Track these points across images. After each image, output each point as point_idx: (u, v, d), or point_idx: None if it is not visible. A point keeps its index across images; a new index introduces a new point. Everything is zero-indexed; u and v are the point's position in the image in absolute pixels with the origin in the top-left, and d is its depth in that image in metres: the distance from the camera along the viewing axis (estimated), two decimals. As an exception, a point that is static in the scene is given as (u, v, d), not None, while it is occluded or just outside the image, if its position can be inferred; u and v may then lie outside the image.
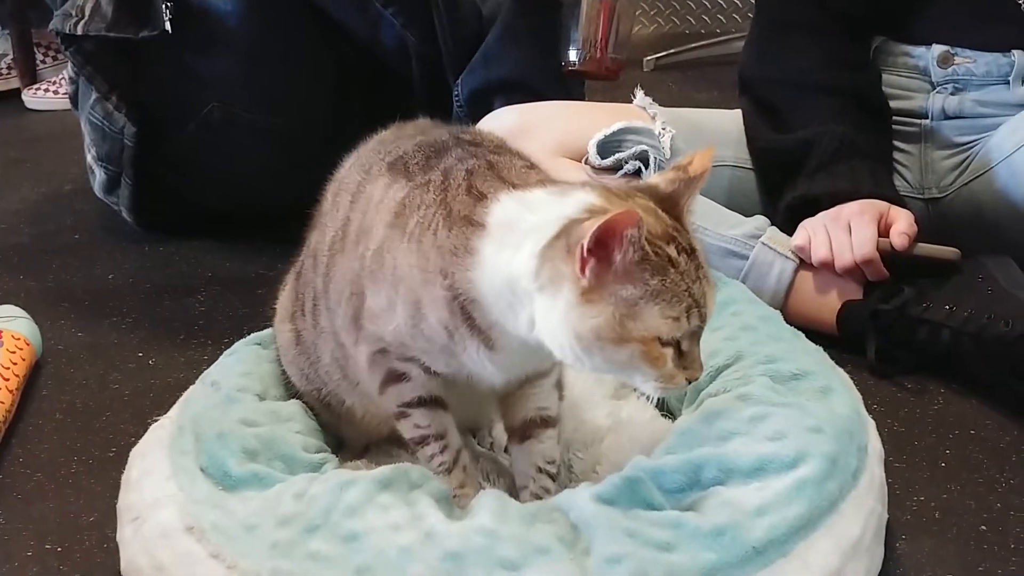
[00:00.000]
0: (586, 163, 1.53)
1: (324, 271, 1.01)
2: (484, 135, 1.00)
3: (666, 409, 1.16)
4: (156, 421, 1.10)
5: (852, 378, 1.11)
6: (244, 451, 0.99)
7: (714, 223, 1.44)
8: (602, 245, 0.80)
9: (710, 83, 2.80)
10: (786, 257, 1.42)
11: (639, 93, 1.64)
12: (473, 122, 1.61)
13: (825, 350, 1.15)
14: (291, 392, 1.12)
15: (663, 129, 1.55)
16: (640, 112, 1.60)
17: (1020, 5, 1.49)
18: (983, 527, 1.06)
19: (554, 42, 1.88)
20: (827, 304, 1.41)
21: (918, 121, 1.59)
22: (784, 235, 1.45)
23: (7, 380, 1.31)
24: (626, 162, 1.51)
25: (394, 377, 0.96)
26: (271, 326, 1.17)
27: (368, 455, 1.11)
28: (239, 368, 1.13)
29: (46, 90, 2.93)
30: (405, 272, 0.90)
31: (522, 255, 0.84)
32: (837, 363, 1.13)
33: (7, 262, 1.85)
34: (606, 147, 1.53)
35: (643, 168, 1.50)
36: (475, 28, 1.73)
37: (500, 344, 0.90)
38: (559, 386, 1.03)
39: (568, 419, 1.11)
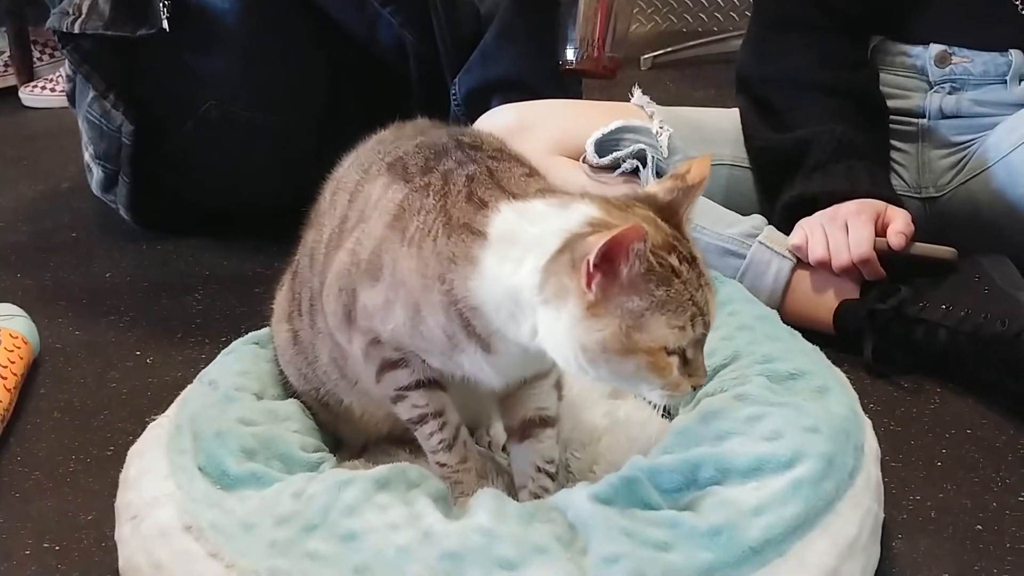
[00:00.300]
0: (584, 162, 1.53)
1: (321, 270, 1.01)
2: (484, 137, 1.00)
3: (665, 410, 1.16)
4: (154, 420, 1.10)
5: (849, 377, 1.11)
6: (242, 450, 0.99)
7: (711, 222, 1.44)
8: (608, 260, 0.80)
9: (707, 81, 2.80)
10: (783, 256, 1.43)
11: (637, 92, 1.65)
12: (470, 121, 1.62)
13: (822, 349, 1.15)
14: (289, 391, 1.12)
15: (661, 128, 1.56)
16: (638, 111, 1.60)
17: (1017, 6, 1.49)
18: (979, 526, 1.06)
19: (551, 41, 1.89)
20: (824, 303, 1.41)
21: (915, 120, 1.59)
22: (781, 234, 1.45)
23: (5, 379, 1.31)
24: (624, 161, 1.51)
25: (390, 364, 0.96)
26: (269, 325, 1.17)
27: (366, 454, 1.11)
28: (237, 367, 1.13)
29: (43, 88, 2.92)
30: (405, 276, 0.90)
31: (524, 268, 0.85)
32: (834, 362, 1.13)
33: (4, 260, 1.85)
34: (604, 146, 1.53)
35: (641, 167, 1.50)
36: (473, 27, 1.73)
37: (499, 349, 0.90)
38: (558, 386, 1.03)
39: (565, 419, 1.11)
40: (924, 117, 1.59)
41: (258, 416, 1.04)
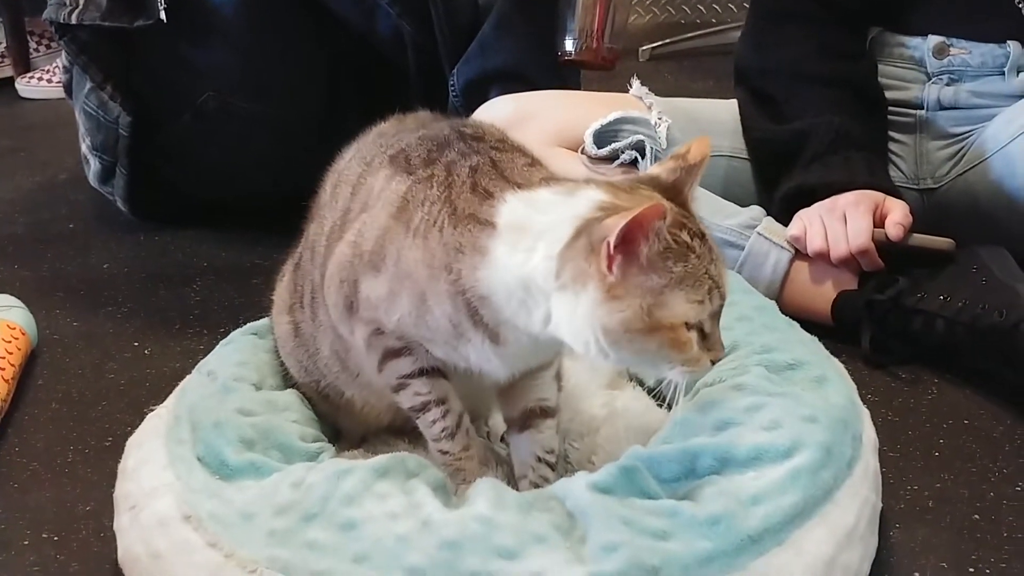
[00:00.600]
0: (582, 153, 1.53)
1: (322, 263, 1.01)
2: (486, 128, 1.00)
3: (662, 399, 1.16)
4: (152, 410, 1.10)
5: (847, 368, 1.12)
6: (241, 440, 0.99)
7: (710, 213, 1.44)
8: (628, 240, 0.81)
9: (706, 73, 2.80)
10: (782, 247, 1.43)
11: (635, 83, 1.64)
12: (469, 112, 1.61)
13: (820, 340, 1.15)
14: (287, 382, 1.12)
15: (659, 119, 1.55)
16: (636, 102, 1.60)
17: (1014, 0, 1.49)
18: (976, 516, 1.07)
19: (550, 32, 1.88)
20: (822, 294, 1.41)
21: (914, 112, 1.59)
22: (780, 225, 1.45)
23: (3, 370, 1.31)
24: (622, 152, 1.51)
25: (393, 353, 0.96)
26: (267, 316, 1.17)
27: (365, 445, 1.11)
28: (235, 358, 1.13)
29: (40, 79, 2.92)
30: (410, 266, 0.90)
31: (537, 257, 0.85)
32: (832, 353, 1.13)
33: (2, 252, 1.85)
34: (602, 137, 1.53)
35: (639, 158, 1.50)
36: (471, 18, 1.72)
37: (507, 339, 0.90)
38: (558, 377, 1.03)
39: (564, 409, 1.11)
40: (922, 108, 1.59)
41: (257, 406, 1.04)
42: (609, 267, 0.82)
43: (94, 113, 1.82)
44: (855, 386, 1.08)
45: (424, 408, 0.97)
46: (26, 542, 1.07)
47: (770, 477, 0.89)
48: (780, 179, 1.51)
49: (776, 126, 1.55)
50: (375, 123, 1.06)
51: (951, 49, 1.55)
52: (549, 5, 1.87)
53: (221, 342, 1.19)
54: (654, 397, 1.16)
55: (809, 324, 1.21)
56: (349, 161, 1.03)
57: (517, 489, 0.98)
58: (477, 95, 1.67)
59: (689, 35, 3.09)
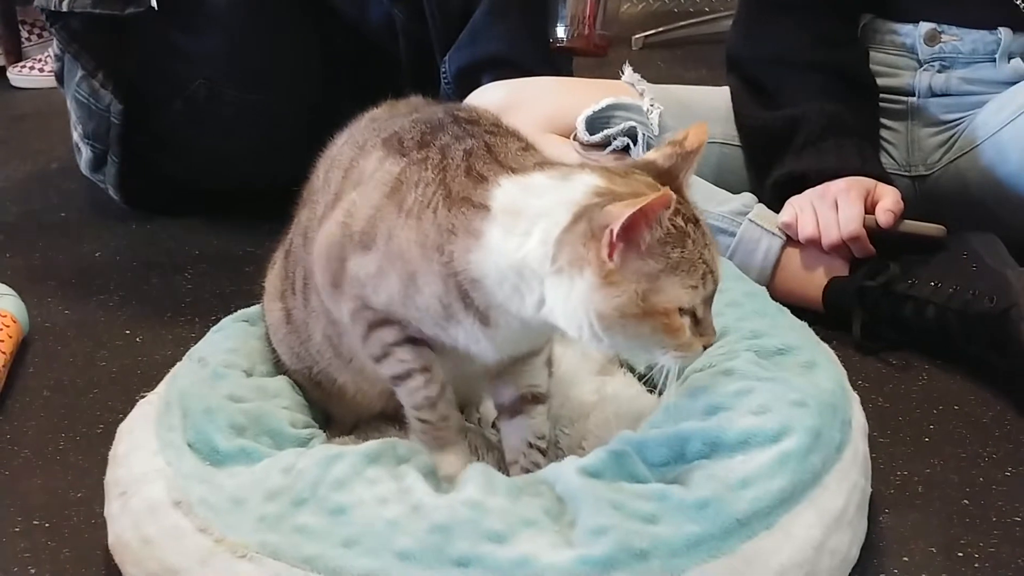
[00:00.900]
0: (574, 139, 1.53)
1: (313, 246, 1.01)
2: (480, 112, 1.00)
3: (652, 385, 1.17)
4: (143, 397, 1.10)
5: (838, 354, 1.12)
6: (231, 426, 0.99)
7: (701, 200, 1.41)
8: (632, 228, 0.81)
9: (699, 61, 2.80)
10: (773, 234, 1.43)
11: (627, 69, 1.64)
12: (460, 99, 1.61)
13: (811, 326, 1.15)
14: (278, 369, 1.12)
15: (651, 106, 1.55)
16: (628, 89, 1.60)
17: None
18: (965, 501, 1.07)
19: (542, 18, 1.88)
20: (813, 281, 1.42)
21: (905, 99, 1.59)
22: (771, 212, 1.45)
23: (-6, 357, 1.31)
24: (614, 138, 1.51)
25: (379, 322, 0.94)
26: (258, 303, 1.17)
27: (356, 431, 1.11)
28: (226, 344, 1.13)
29: (31, 68, 2.91)
30: (402, 247, 0.90)
31: (532, 241, 0.85)
32: (823, 339, 1.14)
33: (-7, 240, 1.85)
34: (594, 123, 1.53)
35: (631, 144, 1.50)
36: (462, 5, 1.72)
37: (497, 323, 0.90)
38: (549, 363, 1.03)
39: (555, 395, 1.11)
40: (913, 95, 1.58)
41: (247, 392, 1.04)
42: (610, 255, 0.82)
43: (85, 101, 1.82)
44: (845, 371, 1.08)
45: (408, 375, 0.96)
46: (17, 529, 1.07)
47: (759, 461, 0.90)
48: (772, 166, 1.51)
49: (768, 113, 1.55)
50: (367, 110, 1.06)
51: (942, 36, 1.55)
52: (541, -8, 1.87)
53: (212, 329, 1.19)
54: (644, 383, 1.16)
55: (800, 310, 1.21)
56: (341, 146, 1.03)
57: (508, 475, 0.98)
58: (469, 82, 1.67)
59: (682, 23, 3.09)
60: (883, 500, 1.06)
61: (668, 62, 2.88)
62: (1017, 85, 1.50)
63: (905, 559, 0.99)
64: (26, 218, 1.95)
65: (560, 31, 2.02)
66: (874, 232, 1.38)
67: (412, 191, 0.90)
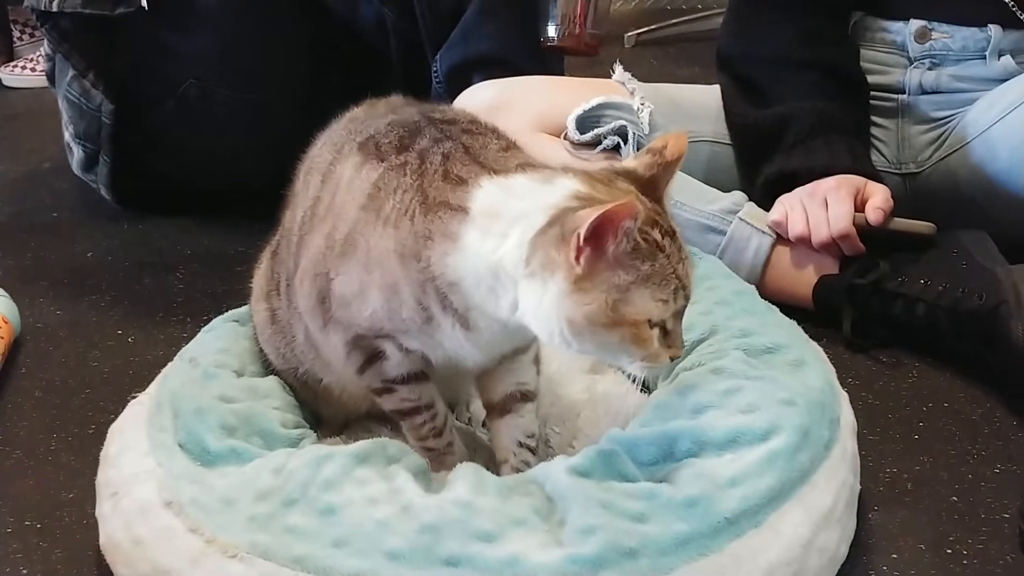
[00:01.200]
0: (565, 138, 1.53)
1: (295, 252, 1.01)
2: (456, 111, 1.00)
3: (643, 384, 1.17)
4: (135, 398, 1.10)
5: (828, 352, 1.12)
6: (222, 427, 0.99)
7: (692, 198, 1.45)
8: (598, 235, 0.81)
9: (691, 59, 2.80)
10: (763, 232, 1.43)
11: (618, 68, 1.64)
12: (452, 98, 1.61)
13: (802, 324, 1.16)
14: (269, 369, 1.12)
15: (642, 104, 1.55)
16: (619, 87, 1.60)
17: None
18: (954, 498, 1.07)
19: (533, 17, 1.88)
20: (804, 279, 1.42)
21: (895, 96, 1.59)
22: (761, 210, 1.45)
23: (-15, 358, 1.31)
24: (605, 137, 1.51)
25: (373, 358, 0.96)
26: (249, 303, 1.17)
27: (347, 431, 1.11)
28: (217, 345, 1.13)
29: (23, 68, 2.90)
30: (381, 256, 0.90)
31: (510, 242, 0.85)
32: (813, 337, 1.14)
33: (-15, 240, 1.85)
34: (585, 122, 1.53)
35: (622, 143, 1.50)
36: (453, 4, 1.72)
37: (477, 325, 0.90)
38: (537, 361, 1.03)
39: (545, 394, 1.11)
40: (904, 93, 1.59)
41: (238, 393, 1.05)
42: (577, 258, 0.82)
43: (76, 101, 1.81)
44: (834, 369, 1.08)
45: (413, 412, 0.98)
46: (9, 530, 1.07)
47: (747, 460, 0.90)
48: (762, 164, 1.52)
49: (758, 111, 1.55)
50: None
51: (932, 33, 1.56)
52: (532, -9, 1.87)
53: (203, 329, 1.19)
54: (634, 382, 1.16)
55: (790, 309, 1.21)
56: (321, 148, 1.03)
57: (499, 474, 0.98)
58: (460, 81, 1.67)
59: (674, 21, 3.08)
60: (872, 497, 1.06)
61: (660, 60, 2.88)
62: (1007, 82, 1.51)
63: (894, 556, 0.99)
64: (18, 218, 1.95)
65: (551, 30, 2.02)
66: (864, 230, 1.38)
67: (390, 198, 0.90)
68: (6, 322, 1.41)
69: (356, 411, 1.09)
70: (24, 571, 1.01)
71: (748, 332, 1.07)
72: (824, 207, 1.39)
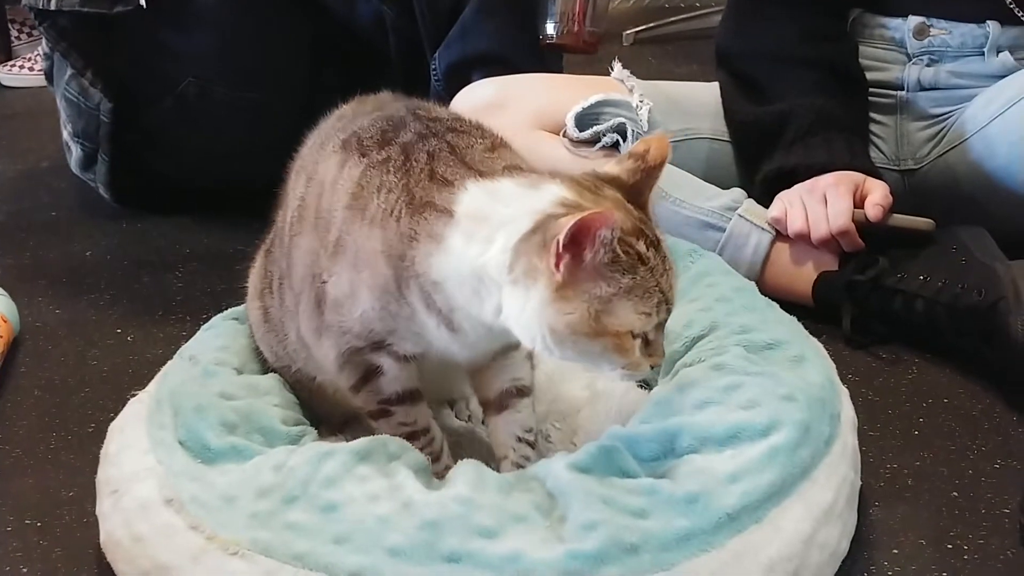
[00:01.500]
0: (564, 136, 1.53)
1: (286, 251, 1.01)
2: (441, 109, 1.00)
3: (643, 381, 1.17)
4: (134, 396, 1.10)
5: (827, 348, 1.12)
6: (223, 424, 0.99)
7: (691, 195, 1.45)
8: (576, 243, 0.81)
9: (689, 57, 2.80)
10: (762, 229, 1.43)
11: (617, 66, 1.64)
12: (450, 96, 1.61)
13: (801, 321, 1.16)
14: (268, 367, 1.12)
15: (641, 102, 1.55)
16: (618, 85, 1.60)
17: None
18: (955, 493, 1.07)
19: (532, 15, 1.88)
20: (803, 275, 1.42)
21: (894, 93, 1.59)
22: (761, 207, 1.45)
23: (-15, 357, 1.31)
24: (604, 135, 1.51)
25: (369, 374, 0.96)
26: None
27: (347, 429, 1.11)
28: (217, 342, 1.13)
29: (21, 67, 2.90)
30: (369, 256, 0.90)
31: (494, 248, 0.85)
32: (813, 334, 1.14)
33: (-16, 240, 1.85)
34: (584, 120, 1.53)
35: (621, 140, 1.50)
36: (452, 1, 1.72)
37: (462, 326, 0.90)
38: (530, 356, 1.03)
39: (545, 392, 1.12)
40: (902, 89, 1.59)
41: (238, 390, 1.05)
42: (556, 265, 0.82)
43: (75, 100, 1.81)
44: (834, 365, 1.08)
45: (412, 436, 0.98)
46: (9, 528, 1.07)
47: (748, 455, 0.90)
48: (761, 161, 1.52)
49: (757, 108, 1.55)
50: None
51: (931, 29, 1.56)
52: (531, -12, 1.87)
53: (202, 327, 1.19)
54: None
55: (790, 305, 1.21)
56: (309, 147, 1.03)
57: (499, 470, 0.98)
58: (459, 79, 1.67)
59: (673, 19, 3.09)
60: (873, 493, 1.06)
61: (659, 58, 2.88)
62: (1006, 79, 1.51)
63: (895, 551, 0.99)
64: (16, 217, 1.94)
65: (550, 28, 2.02)
66: (863, 226, 1.38)
67: (374, 197, 0.89)
68: (5, 321, 1.41)
69: (351, 409, 1.09)
70: (24, 570, 1.01)
71: (748, 328, 1.07)
72: (823, 204, 1.39)
